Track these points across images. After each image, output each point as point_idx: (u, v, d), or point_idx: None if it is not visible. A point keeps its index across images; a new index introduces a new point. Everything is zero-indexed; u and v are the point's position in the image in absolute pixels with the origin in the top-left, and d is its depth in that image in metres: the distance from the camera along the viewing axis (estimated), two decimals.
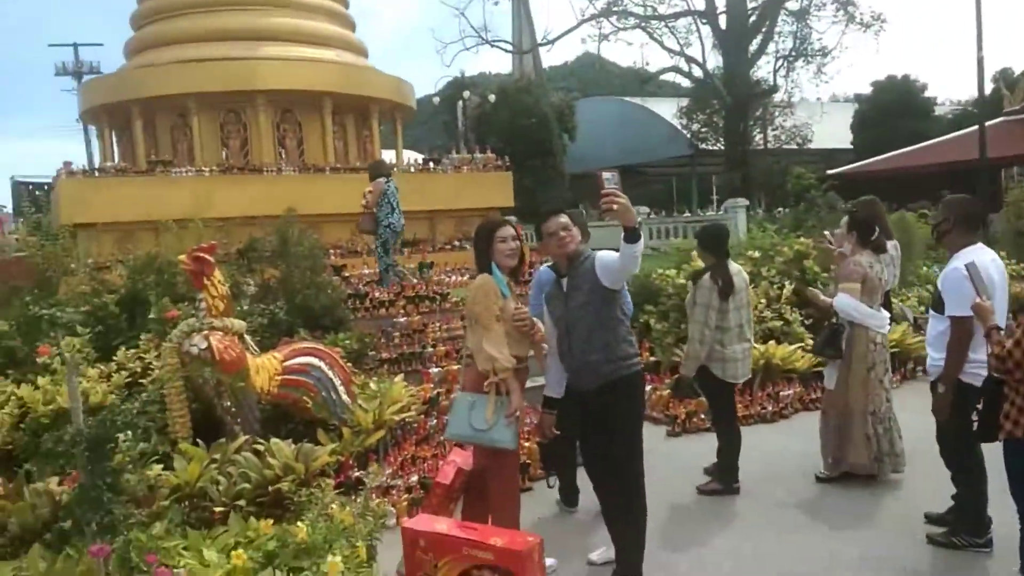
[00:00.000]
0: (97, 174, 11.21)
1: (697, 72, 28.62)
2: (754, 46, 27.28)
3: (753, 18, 27.06)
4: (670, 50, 27.50)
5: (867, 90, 39.23)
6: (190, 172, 11.27)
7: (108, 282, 6.40)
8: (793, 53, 28.01)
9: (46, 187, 14.16)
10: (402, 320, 7.86)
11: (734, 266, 5.24)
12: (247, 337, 5.23)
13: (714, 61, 28.78)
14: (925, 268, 10.46)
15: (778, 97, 30.18)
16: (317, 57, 13.08)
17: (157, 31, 13.09)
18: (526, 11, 31.19)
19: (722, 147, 32.13)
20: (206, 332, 4.91)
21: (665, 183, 47.44)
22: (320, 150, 13.19)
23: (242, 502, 3.56)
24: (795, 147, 33.34)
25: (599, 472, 3.70)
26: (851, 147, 37.92)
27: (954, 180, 25.36)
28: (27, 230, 8.84)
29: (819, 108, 30.64)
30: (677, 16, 27.37)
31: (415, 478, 5.24)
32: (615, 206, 3.15)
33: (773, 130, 31.97)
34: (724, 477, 5.07)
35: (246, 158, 12.58)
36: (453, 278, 10.51)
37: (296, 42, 13.07)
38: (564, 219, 3.63)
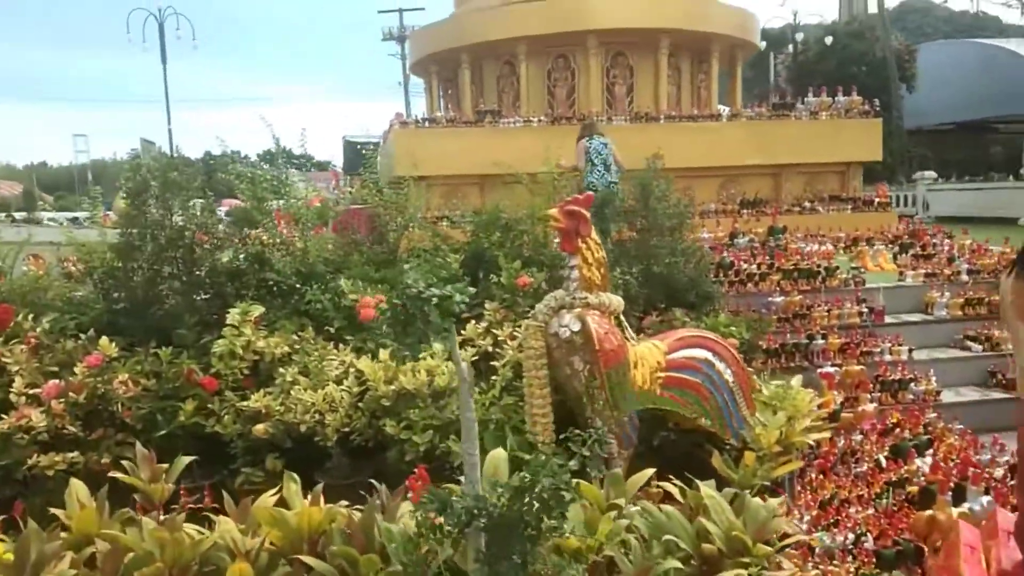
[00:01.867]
0: (428, 125, 10.84)
1: None
2: None
3: None
4: None
5: None
6: (518, 122, 10.47)
7: (451, 239, 5.55)
8: None
9: (372, 146, 14.42)
10: (778, 299, 6.23)
11: None
12: (624, 319, 3.99)
13: None
14: None
15: None
16: None
17: None
18: None
19: None
20: (579, 310, 3.74)
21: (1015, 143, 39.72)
22: (651, 97, 11.78)
23: None
24: None
25: None
26: None
27: None
28: (360, 183, 8.56)
29: None
30: None
31: (852, 535, 3.66)
32: None
33: None
34: None
35: (572, 107, 11.56)
36: (811, 247, 8.60)
37: None
38: None
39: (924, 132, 34.20)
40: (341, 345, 4.62)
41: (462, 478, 2.27)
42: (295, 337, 4.64)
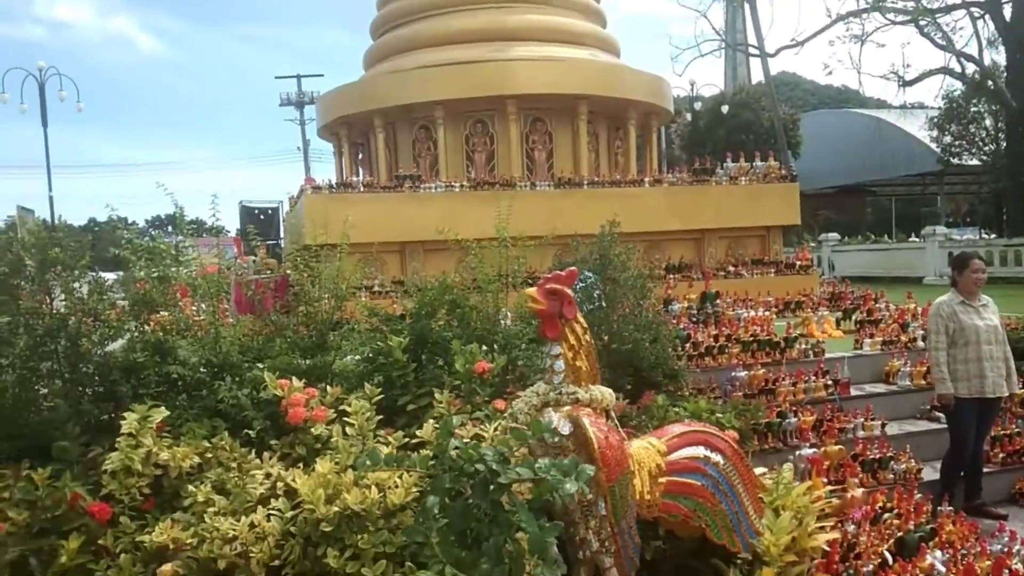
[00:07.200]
0: (341, 189, 10.14)
1: (971, 73, 24.38)
2: None
3: None
4: (942, 47, 23.49)
5: None
6: (439, 188, 9.93)
7: (389, 317, 4.83)
8: None
9: (269, 211, 13.67)
10: (742, 374, 5.80)
11: None
12: (612, 414, 3.39)
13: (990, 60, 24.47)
14: None
15: None
16: (571, 56, 11.46)
17: (399, 36, 12.03)
18: (754, 15, 28.26)
19: (976, 162, 27.60)
20: (568, 408, 3.12)
21: (896, 203, 42.42)
22: (570, 162, 11.53)
23: None
24: None
25: None
26: None
27: None
28: (264, 250, 7.78)
29: None
30: (950, 9, 23.33)
31: None
32: None
33: None
34: None
35: (492, 172, 11.16)
36: (747, 313, 8.32)
37: (548, 41, 11.53)
38: None
39: (808, 195, 36.05)
40: (265, 453, 3.83)
41: None
42: (207, 444, 3.81)
